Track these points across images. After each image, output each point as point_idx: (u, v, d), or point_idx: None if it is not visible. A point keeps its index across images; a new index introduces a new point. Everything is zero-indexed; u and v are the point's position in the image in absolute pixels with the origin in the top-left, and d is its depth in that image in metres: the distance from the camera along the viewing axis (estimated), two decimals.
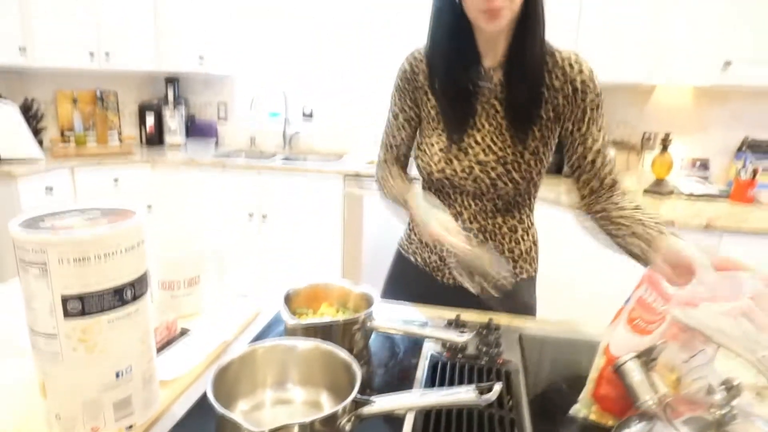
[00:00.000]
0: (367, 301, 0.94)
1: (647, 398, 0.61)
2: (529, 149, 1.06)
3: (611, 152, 1.08)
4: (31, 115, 3.12)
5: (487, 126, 1.08)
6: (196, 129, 3.67)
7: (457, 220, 1.12)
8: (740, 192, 2.29)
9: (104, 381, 0.65)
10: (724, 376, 0.57)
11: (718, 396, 0.53)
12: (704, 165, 2.59)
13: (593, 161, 1.05)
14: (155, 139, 3.56)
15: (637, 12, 2.29)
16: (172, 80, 3.53)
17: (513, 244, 1.16)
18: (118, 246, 0.64)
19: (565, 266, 2.33)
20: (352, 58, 3.44)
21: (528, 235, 1.19)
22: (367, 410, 0.65)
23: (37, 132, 3.09)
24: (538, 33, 1.01)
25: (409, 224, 1.28)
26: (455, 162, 1.09)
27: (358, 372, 0.67)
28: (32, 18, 2.90)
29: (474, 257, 0.93)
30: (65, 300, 0.61)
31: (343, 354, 0.71)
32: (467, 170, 1.09)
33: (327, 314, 0.96)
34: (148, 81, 3.65)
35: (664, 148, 2.43)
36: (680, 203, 2.27)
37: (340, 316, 0.94)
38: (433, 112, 1.13)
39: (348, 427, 0.64)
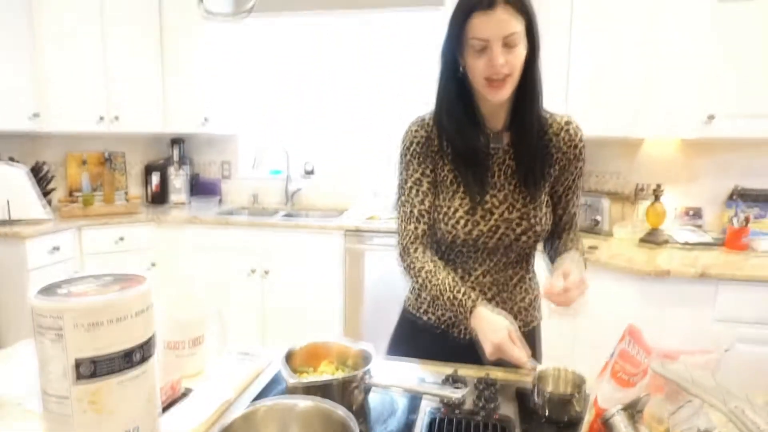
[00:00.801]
0: (365, 359, 0.97)
1: None
2: (544, 203, 1.17)
3: (577, 214, 1.25)
4: (41, 177, 3.21)
5: (507, 185, 1.15)
6: (200, 187, 3.76)
7: (470, 276, 1.18)
8: (734, 240, 2.33)
9: None
10: (713, 426, 0.59)
11: None
12: (697, 214, 2.64)
13: (564, 223, 1.23)
14: (160, 197, 3.64)
15: (623, 68, 2.40)
16: (177, 141, 3.65)
17: (523, 294, 1.22)
18: (129, 311, 0.68)
19: (561, 310, 2.35)
20: (352, 116, 3.57)
21: (534, 284, 1.26)
22: None
23: (46, 193, 3.18)
24: (537, 97, 1.11)
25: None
26: (482, 223, 1.14)
27: (356, 428, 0.70)
28: (45, 84, 3.04)
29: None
30: (78, 363, 0.65)
31: (341, 412, 0.74)
32: (493, 229, 1.14)
33: (326, 372, 0.99)
34: (154, 142, 3.77)
35: (656, 198, 2.49)
36: (676, 252, 2.30)
37: (339, 374, 0.96)
38: (450, 176, 1.16)
39: None
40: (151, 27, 3.31)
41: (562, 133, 1.15)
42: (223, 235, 3.12)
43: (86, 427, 0.66)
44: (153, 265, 3.20)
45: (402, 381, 0.95)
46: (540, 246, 1.25)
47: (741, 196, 2.53)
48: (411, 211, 1.18)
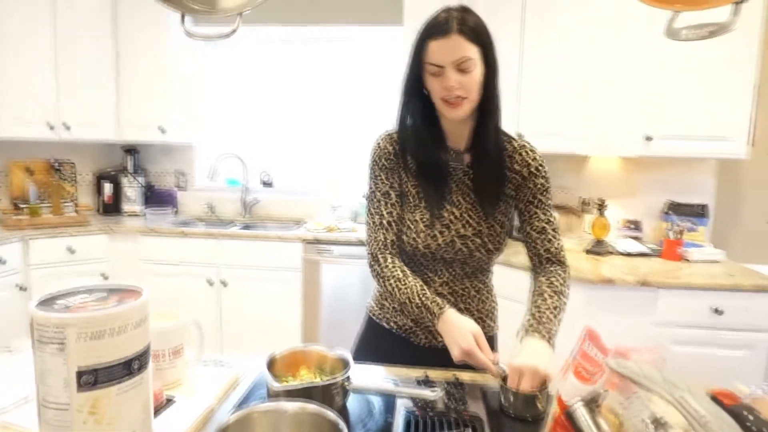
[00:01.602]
0: (344, 364, 1.02)
1: None
2: (498, 222, 1.23)
3: (554, 232, 1.24)
4: None
5: (463, 203, 1.22)
6: (154, 197, 3.69)
7: (429, 286, 1.24)
8: (670, 250, 2.53)
9: None
10: (659, 416, 0.68)
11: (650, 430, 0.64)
12: (637, 226, 2.85)
13: (535, 239, 1.24)
14: (112, 208, 3.55)
15: (569, 92, 2.57)
16: (130, 150, 3.58)
17: (480, 304, 1.30)
18: (129, 322, 0.71)
19: (514, 315, 2.47)
20: (310, 128, 3.62)
21: (490, 295, 1.33)
22: None
23: None
24: (495, 121, 1.19)
25: (381, 293, 1.35)
26: (439, 237, 1.21)
27: (345, 429, 0.75)
28: None
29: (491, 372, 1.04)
30: (80, 373, 0.67)
31: (331, 414, 0.79)
32: (450, 244, 1.21)
33: (306, 378, 1.03)
34: (106, 151, 3.67)
35: (601, 211, 2.66)
36: (618, 261, 2.48)
37: (319, 380, 1.01)
38: (413, 191, 1.24)
39: None
40: (105, 34, 3.24)
41: (516, 155, 1.23)
42: (179, 246, 3.08)
43: None
44: (104, 277, 3.12)
45: (378, 384, 1.01)
46: (501, 257, 1.32)
47: (674, 210, 2.74)
48: (380, 222, 1.24)
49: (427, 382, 1.10)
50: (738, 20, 0.87)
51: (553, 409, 0.83)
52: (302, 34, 3.49)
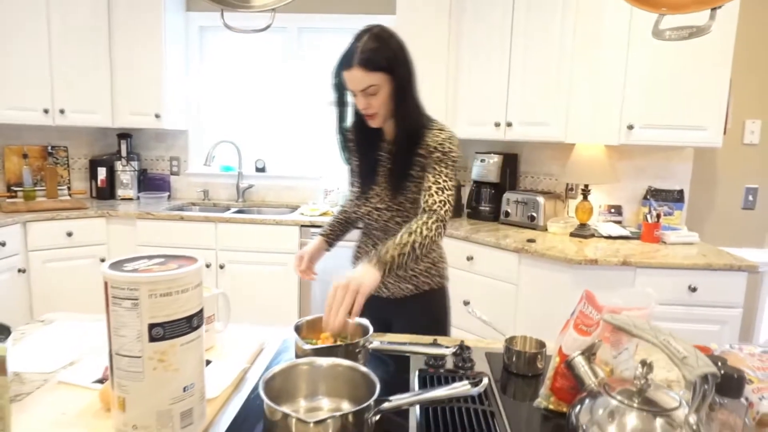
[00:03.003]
0: (363, 330, 1.13)
1: (591, 382, 0.85)
2: (409, 200, 1.45)
3: (439, 191, 1.35)
4: None
5: (383, 183, 1.47)
6: (148, 183, 3.74)
7: (375, 246, 1.54)
8: (648, 233, 2.69)
9: (175, 394, 0.80)
10: (646, 359, 0.81)
11: (638, 371, 0.77)
12: (618, 211, 3.00)
13: (422, 195, 1.37)
14: (106, 193, 3.59)
15: (555, 84, 2.69)
16: (124, 135, 3.61)
17: (412, 263, 1.39)
18: (191, 283, 0.81)
19: (506, 295, 2.61)
20: (303, 114, 3.69)
21: (427, 258, 1.53)
22: (386, 405, 0.84)
23: None
24: (406, 121, 1.39)
25: (353, 262, 1.63)
26: (363, 207, 1.51)
27: (377, 379, 0.86)
28: None
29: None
30: (151, 327, 0.77)
31: (361, 367, 0.90)
32: (369, 214, 1.50)
33: (327, 342, 1.14)
34: (100, 136, 3.70)
35: (585, 196, 2.81)
36: (601, 244, 2.62)
37: (342, 341, 1.12)
38: (357, 170, 1.55)
39: (372, 419, 0.83)
40: (100, 19, 3.26)
41: (429, 140, 1.40)
42: (177, 230, 3.14)
43: (156, 381, 0.78)
44: (102, 260, 3.17)
45: (395, 346, 1.12)
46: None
47: (653, 196, 2.90)
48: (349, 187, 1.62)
49: (436, 346, 1.22)
50: (713, 24, 1.00)
51: (554, 362, 0.96)
52: (296, 22, 3.55)
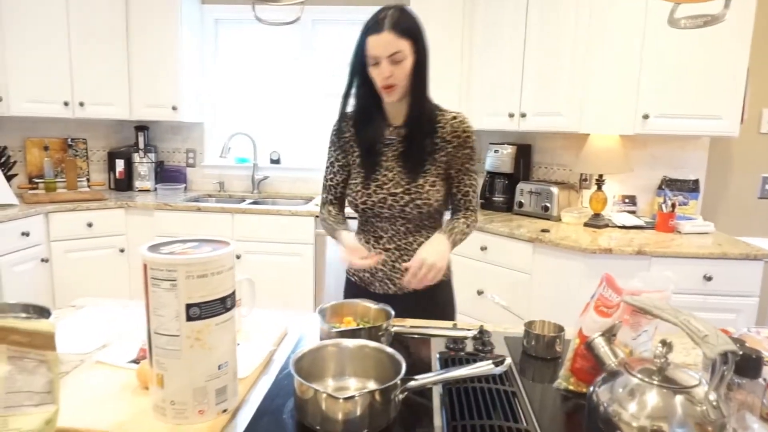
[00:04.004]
0: (386, 314, 1.17)
1: (611, 362, 0.87)
2: (428, 182, 1.43)
3: (474, 192, 1.49)
4: (2, 162, 3.16)
5: (396, 167, 1.45)
6: (164, 174, 3.79)
7: (379, 243, 1.50)
8: (663, 223, 2.69)
9: (210, 372, 0.84)
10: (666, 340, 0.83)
11: (658, 351, 0.79)
12: (632, 201, 3.00)
13: (460, 199, 1.49)
14: (124, 184, 3.65)
15: (568, 74, 2.69)
16: (141, 128, 3.66)
17: None
18: (224, 266, 0.84)
19: (520, 284, 2.63)
20: (317, 106, 3.72)
21: None
22: (412, 384, 0.87)
23: (8, 179, 3.13)
24: (425, 99, 1.42)
25: None
26: (373, 194, 1.46)
27: (402, 360, 0.89)
28: (8, 70, 3.00)
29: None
30: (188, 307, 0.80)
31: (387, 348, 0.93)
32: (382, 200, 1.45)
33: (351, 325, 1.17)
34: (117, 128, 3.76)
35: (599, 187, 2.81)
36: (615, 233, 2.63)
37: (364, 325, 1.15)
38: (358, 160, 1.50)
39: (399, 398, 0.86)
40: (117, 13, 3.31)
41: (447, 126, 1.43)
42: (194, 220, 3.19)
43: (193, 359, 0.82)
44: (121, 251, 3.23)
45: (416, 330, 1.15)
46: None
47: (668, 185, 2.90)
48: (326, 184, 1.59)
49: (457, 329, 1.25)
50: (728, 12, 1.01)
51: (573, 344, 0.98)
52: (310, 14, 3.57)
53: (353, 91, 1.45)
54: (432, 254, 1.29)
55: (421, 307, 1.45)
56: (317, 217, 3.14)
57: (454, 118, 1.44)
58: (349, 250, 1.38)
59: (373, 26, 1.32)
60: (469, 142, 1.44)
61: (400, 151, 1.45)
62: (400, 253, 1.48)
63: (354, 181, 1.50)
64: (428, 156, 1.43)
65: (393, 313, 1.16)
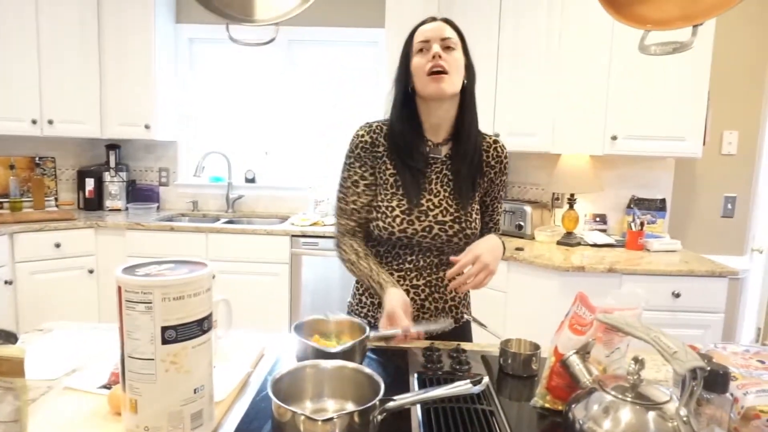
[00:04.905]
0: (361, 329, 1.16)
1: (585, 379, 0.89)
2: (474, 210, 1.34)
3: (500, 217, 1.47)
4: None
5: (442, 191, 1.32)
6: (136, 194, 3.73)
7: (405, 279, 1.34)
8: (633, 241, 2.76)
9: (186, 396, 0.83)
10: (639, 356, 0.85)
11: (631, 368, 0.81)
12: (603, 219, 3.08)
13: (491, 226, 1.44)
14: (94, 204, 3.57)
15: (541, 96, 2.77)
16: (112, 146, 3.61)
17: (453, 293, 1.40)
18: (202, 287, 0.83)
19: (496, 302, 2.66)
20: (293, 125, 3.72)
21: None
22: (391, 404, 0.87)
23: None
24: (475, 116, 1.34)
25: (358, 290, 1.44)
26: (416, 222, 1.29)
27: (381, 381, 0.89)
28: None
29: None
30: (164, 330, 0.79)
31: (366, 369, 0.93)
32: (427, 229, 1.29)
33: (320, 343, 1.16)
34: (87, 146, 3.69)
35: (571, 206, 2.88)
36: (587, 251, 2.69)
37: (343, 342, 1.14)
38: (391, 179, 1.32)
39: (378, 419, 0.85)
40: (89, 29, 3.28)
41: (491, 150, 1.37)
42: (167, 240, 3.14)
43: (168, 383, 0.80)
44: (90, 272, 3.15)
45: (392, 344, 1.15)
46: None
47: (636, 204, 2.98)
48: (346, 207, 1.35)
49: (432, 349, 1.25)
50: (695, 40, 1.06)
51: (549, 362, 1.00)
52: (286, 35, 3.60)
53: (393, 107, 1.33)
54: (488, 253, 1.18)
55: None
56: (293, 236, 3.12)
57: (495, 141, 1.38)
58: (395, 318, 1.15)
59: (424, 21, 1.30)
60: (507, 169, 1.40)
61: (444, 173, 1.33)
62: (430, 290, 1.36)
63: (387, 204, 1.31)
64: (478, 180, 1.35)
65: (368, 330, 1.15)
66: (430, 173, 1.33)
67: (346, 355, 1.06)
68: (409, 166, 1.30)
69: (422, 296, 1.35)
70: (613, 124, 2.66)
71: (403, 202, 1.30)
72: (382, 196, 1.32)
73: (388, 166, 1.33)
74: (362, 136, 1.34)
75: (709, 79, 2.58)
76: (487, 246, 1.22)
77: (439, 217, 1.30)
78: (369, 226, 1.35)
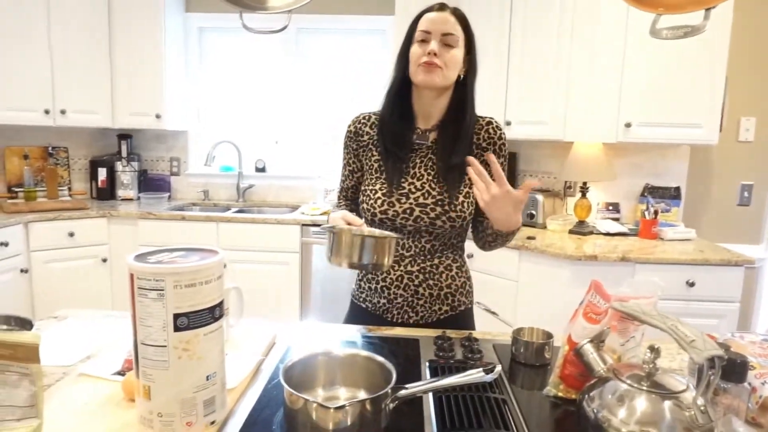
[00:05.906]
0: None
1: (599, 368, 0.87)
2: (462, 193, 1.32)
3: None
4: None
5: (425, 175, 1.33)
6: (148, 183, 3.75)
7: (399, 265, 1.34)
8: (646, 230, 2.73)
9: (198, 383, 0.83)
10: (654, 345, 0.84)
11: (647, 356, 0.80)
12: (615, 208, 3.04)
13: None
14: (106, 193, 3.60)
15: (553, 83, 2.73)
16: (124, 136, 3.62)
17: (450, 280, 1.38)
18: (213, 274, 0.83)
19: (507, 291, 2.65)
20: (303, 114, 3.71)
21: (462, 271, 1.42)
22: (403, 393, 0.86)
23: None
24: (468, 109, 1.35)
25: (358, 275, 1.45)
26: (397, 204, 1.32)
27: (393, 369, 0.89)
28: None
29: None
30: (176, 317, 0.79)
31: (378, 357, 0.93)
32: (408, 211, 1.31)
33: None
34: (100, 136, 3.71)
35: (583, 194, 2.85)
36: (599, 240, 2.66)
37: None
38: (375, 165, 1.38)
39: (390, 407, 0.85)
40: (100, 19, 3.28)
41: (482, 132, 1.35)
42: (178, 229, 3.16)
43: (180, 370, 0.81)
44: (104, 260, 3.18)
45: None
46: (470, 235, 1.45)
47: (650, 193, 2.95)
48: (340, 188, 1.51)
49: (444, 338, 1.25)
50: (707, 24, 1.03)
51: (563, 350, 0.99)
52: (295, 23, 3.57)
53: (386, 96, 1.38)
54: (516, 197, 1.15)
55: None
56: (303, 225, 3.13)
57: (490, 123, 1.36)
58: (348, 221, 1.17)
59: (431, 7, 1.29)
60: (503, 151, 1.36)
61: (430, 157, 1.34)
62: (425, 276, 1.35)
63: (371, 187, 1.35)
64: (465, 165, 1.32)
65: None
66: (414, 158, 1.36)
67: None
68: (393, 152, 1.35)
69: (416, 282, 1.35)
70: (626, 111, 2.62)
71: (385, 185, 1.35)
72: (368, 181, 1.39)
73: (374, 153, 1.39)
74: (349, 126, 1.45)
75: (727, 63, 2.53)
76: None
77: (420, 200, 1.31)
78: (358, 202, 1.47)
